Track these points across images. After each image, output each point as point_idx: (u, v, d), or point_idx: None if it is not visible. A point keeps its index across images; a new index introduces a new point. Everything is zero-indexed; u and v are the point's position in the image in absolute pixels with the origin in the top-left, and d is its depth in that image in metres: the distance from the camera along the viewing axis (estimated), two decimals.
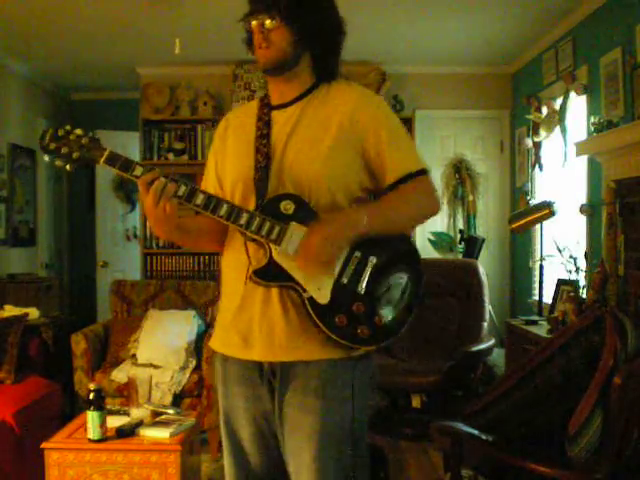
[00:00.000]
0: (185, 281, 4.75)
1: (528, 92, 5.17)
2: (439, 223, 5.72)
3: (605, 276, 3.55)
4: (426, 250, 5.69)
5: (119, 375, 3.90)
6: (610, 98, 3.80)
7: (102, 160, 1.63)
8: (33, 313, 4.18)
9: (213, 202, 1.61)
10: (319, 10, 1.68)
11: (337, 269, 1.61)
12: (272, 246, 1.61)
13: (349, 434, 1.65)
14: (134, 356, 4.06)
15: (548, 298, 4.44)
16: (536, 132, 4.84)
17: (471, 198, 5.51)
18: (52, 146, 1.64)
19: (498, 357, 4.69)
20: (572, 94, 4.33)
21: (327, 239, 1.56)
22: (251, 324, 1.66)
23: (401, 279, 1.65)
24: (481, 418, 2.65)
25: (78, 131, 1.65)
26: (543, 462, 2.28)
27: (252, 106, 1.81)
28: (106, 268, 6.51)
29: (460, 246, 5.46)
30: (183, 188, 1.60)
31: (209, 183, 1.82)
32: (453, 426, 2.56)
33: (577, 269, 4.01)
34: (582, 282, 3.99)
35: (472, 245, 5.21)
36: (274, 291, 1.64)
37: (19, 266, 5.71)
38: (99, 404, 2.67)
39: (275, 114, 1.74)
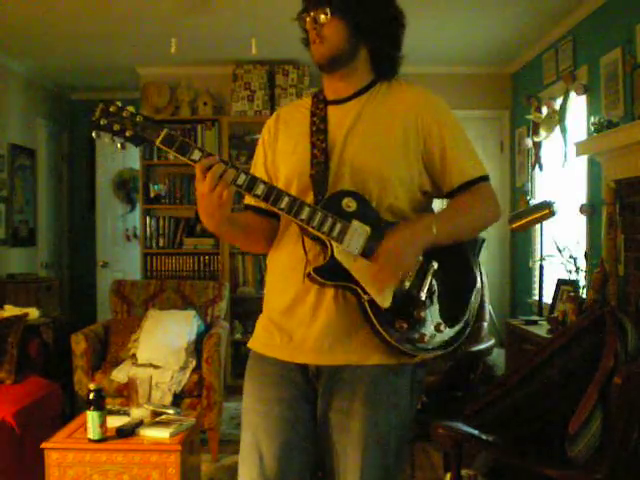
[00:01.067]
0: (185, 281, 4.75)
1: (528, 92, 5.17)
2: None
3: (605, 276, 3.55)
4: None
5: (119, 375, 3.90)
6: (610, 98, 3.80)
7: (158, 141, 1.56)
8: (33, 313, 4.18)
9: (274, 193, 1.54)
10: (375, 2, 1.62)
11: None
12: (334, 244, 1.54)
13: (394, 441, 1.61)
14: (134, 356, 4.06)
15: (548, 298, 4.43)
16: (536, 132, 4.84)
17: None
18: (104, 122, 1.56)
19: (498, 357, 4.68)
20: (572, 94, 4.33)
21: (408, 244, 1.51)
22: (301, 325, 1.60)
23: (462, 286, 1.62)
24: (481, 418, 2.65)
25: (130, 108, 1.58)
26: (543, 462, 2.28)
27: (304, 102, 1.76)
28: (106, 268, 6.52)
29: None
30: (243, 177, 1.53)
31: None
32: (453, 426, 2.56)
33: (577, 269, 4.00)
34: (582, 282, 3.99)
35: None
36: (328, 292, 1.58)
37: (19, 266, 5.71)
38: (99, 404, 2.67)
39: (332, 109, 1.68)
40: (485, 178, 1.68)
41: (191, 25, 4.59)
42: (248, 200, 1.75)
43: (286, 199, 1.54)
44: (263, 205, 1.62)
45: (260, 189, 1.54)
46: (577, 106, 4.37)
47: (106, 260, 6.54)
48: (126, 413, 2.95)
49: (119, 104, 1.58)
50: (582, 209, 4.15)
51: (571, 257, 4.04)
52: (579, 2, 4.17)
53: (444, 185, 1.66)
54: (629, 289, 3.43)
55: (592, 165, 4.05)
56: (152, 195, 5.61)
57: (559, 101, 4.53)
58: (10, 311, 4.04)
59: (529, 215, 4.43)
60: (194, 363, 4.00)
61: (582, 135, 4.12)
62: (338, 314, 1.57)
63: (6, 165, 5.53)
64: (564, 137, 4.41)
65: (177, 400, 3.82)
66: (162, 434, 2.75)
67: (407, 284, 1.55)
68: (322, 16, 1.58)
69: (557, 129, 4.51)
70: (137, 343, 4.11)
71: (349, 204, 1.56)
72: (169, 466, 2.68)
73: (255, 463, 1.63)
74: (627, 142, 3.28)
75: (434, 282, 1.57)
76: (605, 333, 2.39)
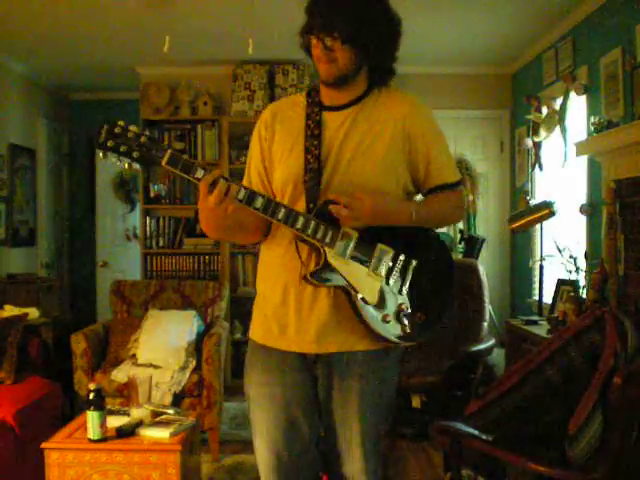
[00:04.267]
0: (185, 281, 4.75)
1: (528, 92, 5.17)
2: None
3: (605, 276, 3.55)
4: None
5: (119, 375, 3.90)
6: (610, 98, 3.80)
7: (164, 162, 1.62)
8: (33, 313, 4.18)
9: (272, 206, 1.66)
10: (380, 25, 1.70)
11: (384, 272, 1.72)
12: (326, 249, 1.69)
13: (384, 408, 1.85)
14: (134, 356, 4.06)
15: (548, 298, 4.44)
16: (536, 132, 4.84)
17: (471, 198, 5.51)
18: (110, 144, 1.62)
19: (498, 357, 4.68)
20: (572, 94, 4.33)
21: (376, 207, 1.67)
22: (299, 319, 1.76)
23: (437, 281, 1.80)
24: (481, 418, 2.65)
25: (134, 128, 1.63)
26: (543, 462, 2.28)
27: (298, 101, 1.84)
28: (106, 268, 6.52)
29: (460, 246, 5.46)
30: (243, 191, 1.64)
31: (252, 169, 1.86)
32: (453, 426, 2.56)
33: (577, 269, 4.00)
34: (582, 282, 3.99)
35: (472, 245, 5.21)
36: (322, 290, 1.73)
37: (19, 266, 5.71)
38: (99, 404, 2.67)
39: (326, 115, 1.77)
40: (460, 182, 1.88)
41: (191, 25, 4.60)
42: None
43: (282, 211, 1.67)
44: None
45: (259, 202, 1.66)
46: (577, 106, 4.37)
47: (106, 260, 6.54)
48: (126, 413, 2.95)
49: (122, 124, 1.62)
50: (582, 209, 4.15)
51: (571, 257, 4.04)
52: (579, 2, 4.17)
53: (425, 186, 1.84)
54: (629, 289, 3.43)
55: (592, 165, 4.05)
56: (152, 195, 5.61)
57: (559, 101, 4.53)
58: (10, 311, 4.04)
59: (529, 215, 4.43)
60: (194, 363, 4.00)
61: (582, 135, 4.12)
62: (331, 309, 1.74)
63: (6, 165, 5.53)
64: (564, 137, 4.41)
65: (177, 400, 3.81)
66: (162, 434, 2.75)
67: (392, 281, 1.74)
68: (330, 42, 1.66)
69: (557, 129, 4.51)
70: (137, 343, 4.11)
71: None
72: (169, 466, 2.68)
73: (265, 438, 1.84)
74: (627, 142, 3.28)
75: (416, 279, 1.76)
76: (605, 333, 2.39)
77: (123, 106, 6.38)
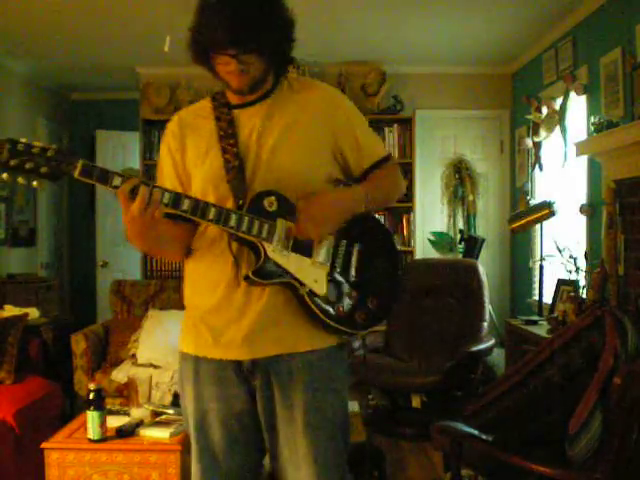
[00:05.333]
0: None
1: (528, 92, 5.17)
2: (439, 223, 5.73)
3: (605, 276, 3.55)
4: (426, 250, 5.69)
5: (119, 375, 3.90)
6: (610, 98, 3.80)
7: (76, 173, 1.49)
8: (33, 313, 4.18)
9: (201, 206, 1.58)
10: (282, 25, 1.64)
11: (328, 260, 1.66)
12: (265, 244, 1.61)
13: (338, 423, 1.71)
14: (134, 356, 4.06)
15: (548, 298, 4.44)
16: (536, 132, 4.84)
17: (471, 198, 5.52)
18: (14, 162, 1.46)
19: (498, 357, 4.68)
20: (572, 94, 4.33)
21: (330, 205, 1.64)
22: (230, 323, 1.66)
23: (383, 261, 1.75)
24: (481, 418, 2.65)
25: (38, 143, 1.49)
26: (543, 462, 2.28)
27: (204, 106, 1.78)
28: (106, 268, 6.51)
29: (460, 246, 5.46)
30: (167, 195, 1.55)
31: (166, 183, 1.72)
32: (453, 426, 2.56)
33: (577, 269, 4.00)
34: (582, 282, 3.99)
35: (472, 245, 5.21)
36: (255, 289, 1.64)
37: (19, 266, 5.71)
38: (99, 404, 2.67)
39: (238, 113, 1.71)
40: (390, 157, 1.84)
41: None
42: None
43: (213, 210, 1.58)
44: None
45: (186, 204, 1.57)
46: (577, 106, 4.37)
47: (106, 260, 6.54)
48: (126, 413, 2.95)
49: (25, 141, 1.49)
50: (582, 209, 4.15)
51: (571, 257, 4.04)
52: (579, 2, 4.17)
53: (357, 169, 1.79)
54: (629, 289, 3.43)
55: (592, 165, 4.05)
56: None
57: (559, 101, 4.53)
58: (10, 311, 4.04)
59: (529, 215, 4.43)
60: None
61: (582, 135, 4.12)
62: (266, 308, 1.64)
63: None
64: (564, 137, 4.41)
65: (177, 400, 3.80)
66: (162, 434, 2.75)
67: (337, 269, 1.67)
68: (245, 57, 1.57)
69: (557, 129, 4.51)
70: (137, 343, 4.11)
71: (270, 204, 1.63)
72: (169, 466, 2.68)
73: (202, 458, 1.72)
74: (627, 142, 3.27)
75: (362, 263, 1.70)
76: (605, 333, 2.38)
77: (123, 106, 6.38)
